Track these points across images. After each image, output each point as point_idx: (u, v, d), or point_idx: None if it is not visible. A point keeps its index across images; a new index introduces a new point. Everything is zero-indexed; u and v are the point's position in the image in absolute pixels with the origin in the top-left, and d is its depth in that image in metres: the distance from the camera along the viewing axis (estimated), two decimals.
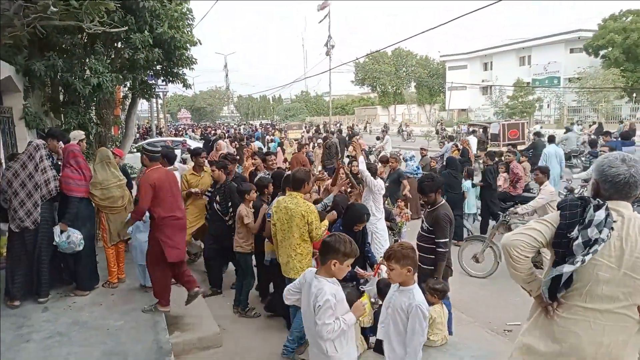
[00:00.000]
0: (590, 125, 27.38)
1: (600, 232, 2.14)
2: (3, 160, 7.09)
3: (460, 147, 12.16)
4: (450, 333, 4.46)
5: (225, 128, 39.08)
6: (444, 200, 4.67)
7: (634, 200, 2.37)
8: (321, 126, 34.63)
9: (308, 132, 24.02)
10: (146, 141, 18.63)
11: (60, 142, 6.27)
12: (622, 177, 2.22)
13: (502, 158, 10.35)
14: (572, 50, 41.51)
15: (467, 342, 4.36)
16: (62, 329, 4.53)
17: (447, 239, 4.42)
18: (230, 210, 5.97)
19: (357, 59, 53.37)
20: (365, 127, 44.23)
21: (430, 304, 4.11)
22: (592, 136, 15.94)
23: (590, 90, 33.44)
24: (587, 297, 2.24)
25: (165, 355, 4.07)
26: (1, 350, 4.07)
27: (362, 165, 6.02)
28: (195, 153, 6.93)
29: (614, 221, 2.18)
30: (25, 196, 4.86)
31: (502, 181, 9.55)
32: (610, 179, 2.24)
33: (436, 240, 4.40)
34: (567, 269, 2.19)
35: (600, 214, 2.16)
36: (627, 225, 2.19)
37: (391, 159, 9.55)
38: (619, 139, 11.65)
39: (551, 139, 11.61)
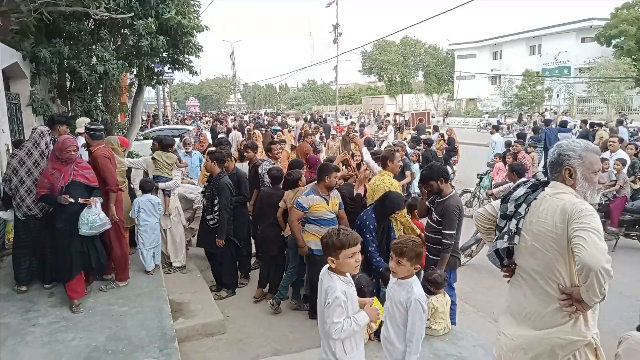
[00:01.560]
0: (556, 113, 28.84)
1: (517, 207, 2.46)
2: (10, 147, 7.13)
3: (447, 136, 12.06)
4: (453, 323, 4.47)
5: (233, 117, 39.08)
6: (454, 191, 4.59)
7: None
8: (316, 115, 34.53)
9: (297, 120, 24.10)
10: (152, 129, 18.65)
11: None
12: (549, 158, 2.51)
13: (510, 148, 10.26)
14: (583, 40, 40.90)
15: (469, 332, 4.38)
16: (68, 314, 4.58)
17: (454, 231, 4.34)
18: (216, 207, 5.48)
19: (362, 46, 53.00)
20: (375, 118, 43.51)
21: (432, 293, 4.13)
22: (540, 123, 17.22)
23: (601, 80, 33.03)
24: (519, 266, 2.53)
25: (170, 341, 4.11)
26: (7, 334, 4.13)
27: (367, 156, 5.98)
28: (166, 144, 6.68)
29: (534, 198, 2.43)
30: (32, 184, 4.87)
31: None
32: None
33: (443, 232, 4.33)
34: (499, 244, 2.53)
35: (520, 191, 2.50)
36: (540, 201, 2.41)
37: (397, 147, 9.47)
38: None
39: (563, 124, 11.54)
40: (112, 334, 4.23)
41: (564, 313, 2.32)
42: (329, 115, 37.51)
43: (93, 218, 4.69)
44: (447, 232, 4.32)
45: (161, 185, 6.22)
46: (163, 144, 6.61)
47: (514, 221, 2.47)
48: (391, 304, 2.87)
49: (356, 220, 4.68)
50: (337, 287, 2.53)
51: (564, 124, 13.39)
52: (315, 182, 4.90)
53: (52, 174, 4.64)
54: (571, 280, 2.29)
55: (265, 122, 25.29)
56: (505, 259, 2.58)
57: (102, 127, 5.51)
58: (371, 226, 4.47)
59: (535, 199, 2.44)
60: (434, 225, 4.47)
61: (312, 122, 22.20)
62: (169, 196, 6.33)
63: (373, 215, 4.52)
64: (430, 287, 4.13)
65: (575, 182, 2.38)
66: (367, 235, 4.42)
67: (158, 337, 4.18)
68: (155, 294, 5.14)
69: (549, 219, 2.33)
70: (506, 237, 2.50)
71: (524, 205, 2.45)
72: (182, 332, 4.61)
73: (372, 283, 4.40)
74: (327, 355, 2.63)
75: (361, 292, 3.77)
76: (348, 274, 2.65)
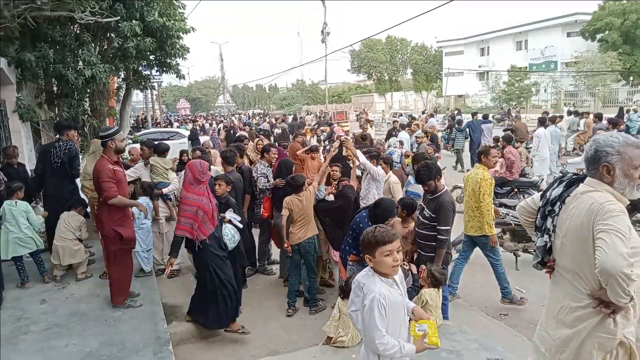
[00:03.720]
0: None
1: (552, 205, 2.45)
2: None
3: (429, 133, 12.08)
4: (445, 318, 4.51)
5: (219, 118, 38.91)
6: (446, 188, 4.63)
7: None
8: (321, 116, 34.61)
9: (283, 121, 24.05)
10: (142, 132, 18.55)
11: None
12: (585, 154, 2.44)
13: (498, 143, 10.36)
14: (569, 34, 41.35)
15: (462, 326, 4.42)
16: (61, 321, 4.56)
17: (449, 227, 4.40)
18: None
19: (350, 45, 53.09)
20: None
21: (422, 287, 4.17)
22: (458, 117, 18.64)
23: (587, 74, 33.37)
24: (557, 264, 2.51)
25: (164, 345, 4.10)
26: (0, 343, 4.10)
27: (362, 157, 5.98)
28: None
29: (567, 196, 2.41)
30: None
31: (498, 166, 9.57)
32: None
33: (438, 227, 4.37)
34: (539, 242, 2.53)
35: (557, 191, 2.47)
36: (572, 199, 2.38)
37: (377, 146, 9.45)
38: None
39: (542, 121, 11.75)
40: (105, 339, 4.21)
41: (593, 310, 2.26)
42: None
43: (233, 231, 4.77)
44: (443, 227, 4.35)
45: (165, 190, 6.32)
46: (159, 150, 6.69)
47: (549, 219, 2.46)
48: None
49: (351, 223, 4.68)
50: (375, 288, 2.39)
51: (485, 117, 15.26)
52: None
53: (206, 204, 4.41)
54: (597, 281, 2.22)
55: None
56: (547, 256, 2.55)
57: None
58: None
59: (568, 196, 2.40)
60: (427, 221, 4.49)
61: (317, 126, 21.90)
62: (170, 200, 6.42)
63: (367, 220, 4.46)
64: (427, 280, 4.17)
65: (614, 179, 2.27)
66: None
67: (152, 341, 4.17)
68: (148, 298, 5.13)
69: (577, 217, 2.29)
70: (546, 235, 2.49)
71: (558, 203, 2.43)
72: (176, 336, 4.61)
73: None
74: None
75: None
76: (396, 277, 2.51)
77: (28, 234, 5.39)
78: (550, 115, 14.10)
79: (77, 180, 6.34)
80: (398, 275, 2.54)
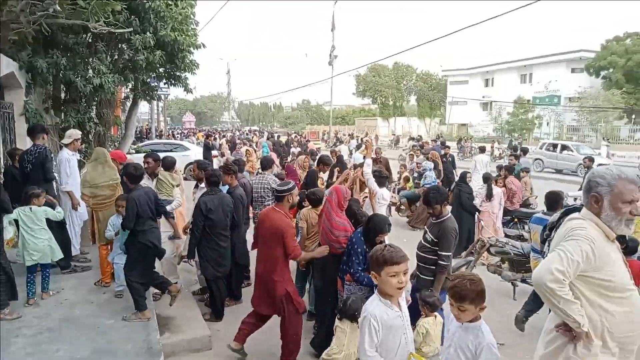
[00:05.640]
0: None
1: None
2: (1, 156, 7.12)
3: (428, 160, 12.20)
4: (441, 343, 4.47)
5: (222, 133, 39.65)
6: (450, 214, 4.63)
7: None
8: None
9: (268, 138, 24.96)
10: (145, 143, 18.65)
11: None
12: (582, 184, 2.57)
13: (501, 173, 10.38)
14: (573, 70, 41.84)
15: None
16: (53, 325, 4.53)
17: (451, 253, 4.39)
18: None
19: (357, 69, 53.70)
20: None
21: (424, 316, 4.14)
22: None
23: (590, 110, 33.68)
24: None
25: (155, 356, 4.07)
26: None
27: (367, 168, 5.93)
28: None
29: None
30: None
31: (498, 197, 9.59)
32: None
33: (439, 253, 4.36)
34: None
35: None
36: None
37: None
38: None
39: (482, 149, 13.13)
40: (97, 347, 4.18)
41: (558, 334, 2.37)
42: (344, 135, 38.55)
43: None
44: (444, 253, 4.35)
45: (169, 208, 5.90)
46: (166, 164, 6.41)
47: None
48: (455, 351, 2.54)
49: (347, 244, 4.66)
50: (369, 308, 2.42)
51: (443, 143, 17.32)
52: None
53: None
54: None
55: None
56: None
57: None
58: (359, 249, 4.33)
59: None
60: (428, 245, 4.49)
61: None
62: (173, 218, 6.09)
63: (362, 238, 4.40)
64: (425, 307, 4.14)
65: (601, 210, 2.32)
66: (354, 259, 4.32)
67: (144, 351, 4.14)
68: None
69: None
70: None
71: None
72: (168, 347, 4.56)
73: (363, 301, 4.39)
74: None
75: (354, 318, 3.75)
76: (401, 301, 2.51)
77: (50, 244, 5.11)
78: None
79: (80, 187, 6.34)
80: (403, 298, 2.58)
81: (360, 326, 2.41)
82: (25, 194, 5.15)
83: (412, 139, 30.80)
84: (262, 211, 4.76)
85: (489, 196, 8.32)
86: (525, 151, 15.89)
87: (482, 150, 14.81)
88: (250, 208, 6.68)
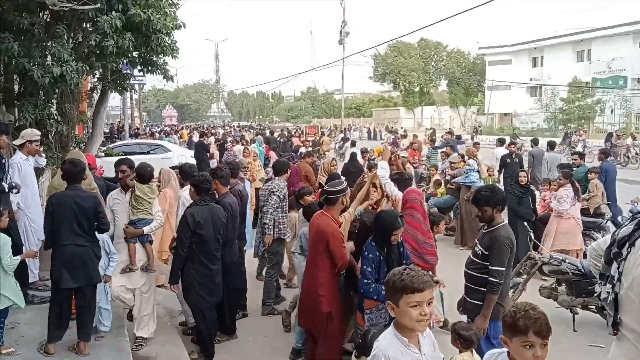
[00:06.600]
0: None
1: (619, 247, 2.34)
2: None
3: (467, 157, 12.11)
4: None
5: (211, 130, 40.04)
6: (505, 221, 4.56)
7: None
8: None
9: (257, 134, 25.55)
10: (116, 143, 18.77)
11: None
12: None
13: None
14: None
15: None
16: (31, 355, 4.68)
17: (504, 268, 4.28)
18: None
19: (374, 47, 53.48)
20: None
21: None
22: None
23: None
24: (620, 320, 2.42)
25: None
26: None
27: (381, 171, 5.98)
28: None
29: (639, 237, 2.31)
30: None
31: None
32: None
33: (490, 267, 4.27)
34: (602, 294, 2.42)
35: (627, 229, 2.36)
36: None
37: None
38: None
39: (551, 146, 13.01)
40: None
41: None
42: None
43: None
44: (495, 268, 4.25)
45: (147, 229, 5.55)
46: (142, 175, 5.70)
47: (614, 265, 2.37)
48: None
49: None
50: (382, 344, 2.38)
51: (459, 137, 18.65)
52: None
53: None
54: None
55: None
56: (617, 314, 2.43)
57: None
58: (370, 255, 4.50)
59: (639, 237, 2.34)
60: (478, 260, 4.43)
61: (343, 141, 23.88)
62: (151, 242, 5.79)
63: (373, 243, 4.55)
64: (458, 341, 4.10)
65: None
66: (364, 267, 4.49)
67: None
68: (114, 344, 5.11)
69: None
70: (609, 285, 2.40)
71: (627, 245, 2.35)
72: None
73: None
74: None
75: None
76: (421, 338, 2.43)
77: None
78: None
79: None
80: (426, 336, 2.49)
81: None
82: None
83: (390, 131, 30.37)
84: (313, 216, 5.04)
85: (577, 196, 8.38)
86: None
87: (552, 146, 14.41)
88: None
